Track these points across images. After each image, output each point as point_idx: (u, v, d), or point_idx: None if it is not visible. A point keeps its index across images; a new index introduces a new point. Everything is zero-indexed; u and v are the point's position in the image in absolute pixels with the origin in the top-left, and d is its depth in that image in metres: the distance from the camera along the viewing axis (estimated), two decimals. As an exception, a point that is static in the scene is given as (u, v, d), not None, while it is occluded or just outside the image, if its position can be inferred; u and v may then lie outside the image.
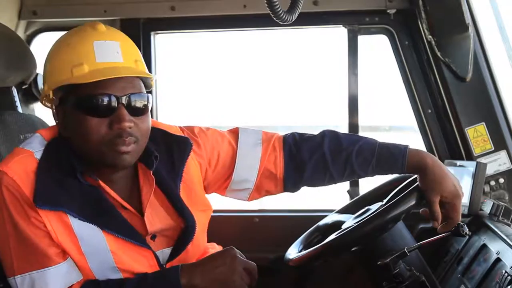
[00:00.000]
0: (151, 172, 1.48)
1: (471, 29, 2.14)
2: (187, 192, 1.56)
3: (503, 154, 2.24)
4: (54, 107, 1.44)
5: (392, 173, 1.66)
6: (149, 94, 1.45)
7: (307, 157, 1.64)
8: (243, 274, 1.43)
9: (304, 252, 1.76)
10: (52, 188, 1.38)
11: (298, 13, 1.41)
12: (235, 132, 1.69)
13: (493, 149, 2.24)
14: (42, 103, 1.47)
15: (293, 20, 1.40)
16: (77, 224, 1.40)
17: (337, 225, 1.87)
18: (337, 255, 1.74)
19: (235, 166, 1.64)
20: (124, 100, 1.37)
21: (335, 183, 1.73)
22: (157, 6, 2.46)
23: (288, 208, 2.63)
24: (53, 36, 2.72)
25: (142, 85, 1.44)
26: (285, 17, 1.37)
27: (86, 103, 1.36)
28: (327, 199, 2.67)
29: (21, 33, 2.54)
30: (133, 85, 1.40)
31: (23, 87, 2.19)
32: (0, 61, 1.93)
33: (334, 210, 2.07)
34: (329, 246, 1.65)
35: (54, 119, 1.46)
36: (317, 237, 1.93)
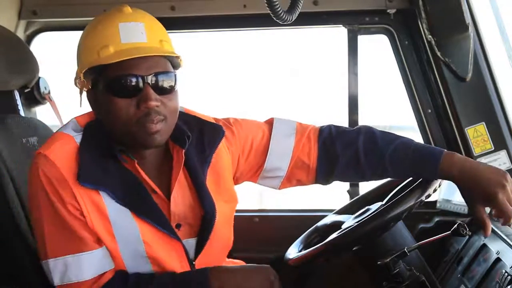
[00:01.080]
0: (183, 151, 1.49)
1: (471, 29, 2.14)
2: (214, 179, 1.57)
3: (503, 154, 2.24)
4: (86, 90, 1.47)
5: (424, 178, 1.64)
6: (176, 73, 1.46)
7: (340, 151, 1.65)
8: None
9: (304, 251, 1.76)
10: (94, 169, 1.41)
11: (298, 13, 1.41)
12: (270, 122, 1.71)
13: (493, 149, 2.24)
14: (75, 85, 1.49)
15: (293, 20, 1.40)
16: (112, 209, 1.42)
17: (336, 225, 1.87)
18: (338, 254, 1.74)
19: (267, 153, 1.65)
20: (149, 79, 1.39)
21: (367, 181, 1.74)
22: (157, 6, 2.45)
23: (288, 208, 2.63)
24: (53, 36, 2.73)
25: (169, 64, 1.46)
26: (285, 17, 1.38)
27: (113, 84, 1.39)
28: (327, 199, 2.67)
29: (21, 33, 2.54)
30: (159, 65, 1.42)
31: (25, 90, 2.20)
32: (3, 65, 1.93)
33: (334, 210, 2.07)
34: (330, 245, 1.65)
35: (88, 102, 1.49)
36: (316, 237, 1.93)
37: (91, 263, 1.41)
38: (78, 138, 1.46)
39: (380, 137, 1.65)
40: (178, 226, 1.50)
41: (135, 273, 1.45)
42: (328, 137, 1.68)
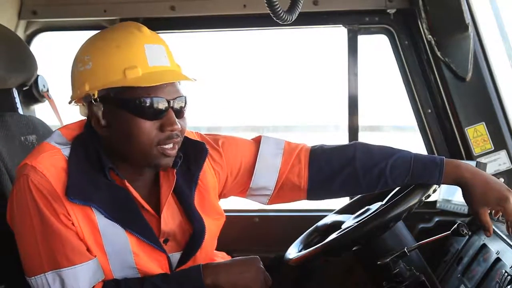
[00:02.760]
0: (174, 171, 1.50)
1: (471, 29, 2.14)
2: (200, 199, 1.58)
3: (503, 154, 2.24)
4: (91, 106, 1.43)
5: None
6: (186, 96, 1.48)
7: (337, 171, 1.64)
8: (263, 284, 1.49)
9: (304, 251, 1.76)
10: (83, 183, 1.40)
11: (298, 13, 1.41)
12: (257, 140, 1.70)
13: (493, 149, 2.24)
14: (73, 101, 1.47)
15: (293, 20, 1.40)
16: (102, 223, 1.41)
17: (336, 225, 1.87)
18: (338, 254, 1.74)
19: (253, 174, 1.66)
20: (173, 103, 1.41)
21: (364, 194, 1.76)
22: (157, 6, 2.45)
23: (288, 208, 2.63)
24: (53, 36, 2.73)
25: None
26: (285, 17, 1.37)
27: (138, 105, 1.38)
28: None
29: (21, 32, 2.53)
30: (178, 89, 1.45)
31: (24, 88, 2.19)
32: (1, 63, 1.93)
33: (334, 210, 2.07)
34: (330, 245, 1.65)
35: (90, 116, 1.45)
36: (316, 237, 1.93)
37: (87, 274, 1.40)
38: (65, 151, 1.43)
39: (377, 153, 1.64)
40: (166, 241, 1.52)
41: (124, 278, 1.45)
42: (322, 157, 1.66)
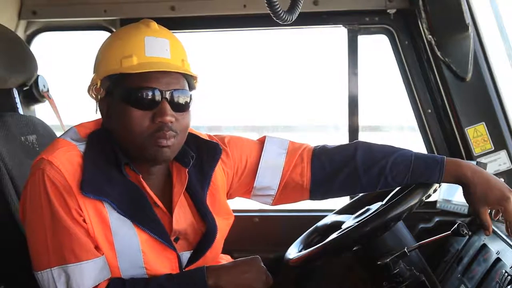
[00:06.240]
0: (186, 170, 1.52)
1: (471, 29, 2.15)
2: (211, 199, 1.59)
3: (503, 154, 2.24)
4: (99, 98, 1.48)
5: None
6: (192, 92, 1.50)
7: (338, 169, 1.65)
8: (265, 284, 1.50)
9: (304, 251, 1.76)
10: (98, 178, 1.41)
11: (298, 13, 1.41)
12: (262, 141, 1.72)
13: (493, 149, 2.25)
14: (88, 93, 1.51)
15: (293, 20, 1.40)
16: (114, 219, 1.42)
17: (336, 225, 1.87)
18: (338, 254, 1.74)
19: (257, 173, 1.67)
20: (167, 95, 1.42)
21: (366, 193, 1.77)
22: (157, 6, 2.46)
23: (288, 208, 2.63)
24: (53, 36, 2.73)
25: (186, 83, 1.49)
26: (285, 17, 1.38)
27: (132, 95, 1.41)
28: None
29: (21, 33, 2.54)
30: (178, 82, 1.45)
31: (24, 88, 2.19)
32: (1, 63, 1.93)
33: (334, 210, 2.07)
34: (330, 245, 1.65)
35: (99, 110, 1.50)
36: (316, 237, 1.93)
37: (92, 271, 1.40)
38: (81, 147, 1.45)
39: (378, 152, 1.65)
40: (176, 239, 1.53)
41: (130, 278, 1.46)
42: (324, 156, 1.68)
